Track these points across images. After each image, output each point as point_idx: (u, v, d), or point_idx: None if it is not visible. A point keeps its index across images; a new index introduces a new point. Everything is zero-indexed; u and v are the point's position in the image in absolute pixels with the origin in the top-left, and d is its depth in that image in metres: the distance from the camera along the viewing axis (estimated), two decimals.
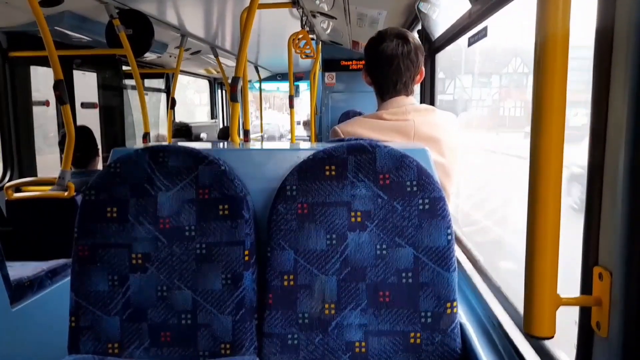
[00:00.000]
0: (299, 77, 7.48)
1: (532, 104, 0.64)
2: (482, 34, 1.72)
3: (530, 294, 0.66)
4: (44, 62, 3.34)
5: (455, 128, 1.58)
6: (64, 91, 2.33)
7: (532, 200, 0.64)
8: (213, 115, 7.74)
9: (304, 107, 8.59)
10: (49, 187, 2.42)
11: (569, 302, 0.67)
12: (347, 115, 5.42)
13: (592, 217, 0.68)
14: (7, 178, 3.33)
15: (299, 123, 7.28)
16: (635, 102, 0.59)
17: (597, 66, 0.66)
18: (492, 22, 1.68)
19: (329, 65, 6.31)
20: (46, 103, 3.68)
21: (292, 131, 4.05)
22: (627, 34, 0.60)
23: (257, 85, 7.84)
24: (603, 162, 0.65)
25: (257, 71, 7.41)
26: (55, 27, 2.98)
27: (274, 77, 8.55)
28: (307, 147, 1.30)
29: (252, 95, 8.51)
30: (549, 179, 0.63)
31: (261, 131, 7.73)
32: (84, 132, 2.94)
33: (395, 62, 1.53)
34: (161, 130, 6.19)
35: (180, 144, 1.24)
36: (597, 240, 0.68)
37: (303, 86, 8.30)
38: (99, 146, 3.12)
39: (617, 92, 0.62)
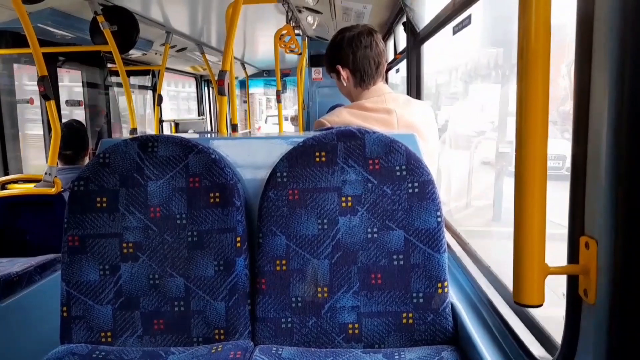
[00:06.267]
0: (285, 74, 7.47)
1: (516, 87, 0.65)
2: (466, 22, 1.74)
3: (518, 263, 0.67)
4: (27, 60, 3.30)
5: (432, 115, 1.66)
6: (49, 87, 2.31)
7: (519, 170, 0.66)
8: (200, 112, 7.71)
9: (292, 103, 8.57)
10: (34, 185, 2.40)
11: (557, 271, 0.69)
12: None
13: (577, 187, 0.69)
14: None
15: (286, 119, 7.27)
16: (617, 72, 0.60)
17: (579, 29, 0.67)
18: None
19: (315, 60, 6.32)
20: (30, 101, 3.64)
21: (280, 124, 4.08)
22: (607, 20, 0.62)
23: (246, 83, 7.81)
24: (587, 130, 0.67)
25: (244, 68, 7.39)
26: (39, 24, 2.95)
27: (261, 73, 8.53)
28: (296, 135, 1.31)
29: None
30: (536, 149, 0.64)
31: (249, 127, 7.72)
32: (76, 129, 2.88)
33: (373, 44, 1.60)
34: (148, 128, 6.15)
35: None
36: (582, 210, 0.69)
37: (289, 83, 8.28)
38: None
39: (599, 54, 0.64)
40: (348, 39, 1.61)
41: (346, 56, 1.61)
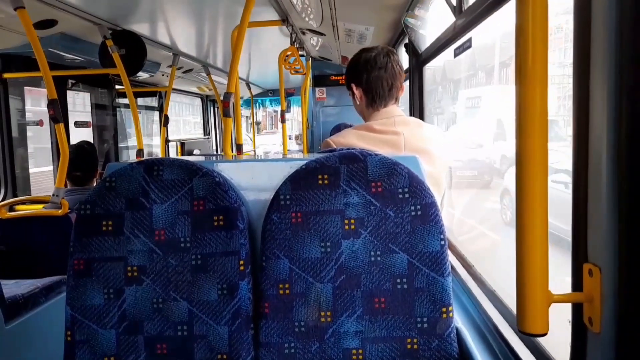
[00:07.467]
0: (290, 93, 7.54)
1: (515, 110, 0.66)
2: (467, 45, 1.76)
3: (522, 292, 0.67)
4: (37, 83, 3.36)
5: (443, 140, 1.66)
6: (58, 110, 2.34)
7: (520, 200, 0.66)
8: (205, 131, 7.78)
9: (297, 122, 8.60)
10: (43, 206, 2.42)
11: (561, 299, 0.69)
12: (338, 129, 5.49)
13: (579, 215, 0.70)
14: (0, 197, 3.32)
15: (290, 138, 7.32)
16: (615, 102, 0.61)
17: (577, 53, 0.68)
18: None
19: (319, 80, 6.42)
20: (39, 123, 3.69)
21: (284, 144, 4.10)
22: (604, 30, 0.63)
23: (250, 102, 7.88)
24: (588, 159, 0.67)
25: (249, 88, 7.47)
26: (50, 49, 3.01)
27: (265, 93, 8.61)
28: (299, 157, 1.32)
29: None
30: (536, 179, 0.65)
31: (253, 147, 7.77)
32: (86, 151, 2.92)
33: (389, 66, 1.62)
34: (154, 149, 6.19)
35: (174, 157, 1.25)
36: (585, 237, 0.69)
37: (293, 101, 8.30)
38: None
39: (597, 90, 0.65)
40: (365, 59, 1.64)
41: (360, 75, 1.64)
